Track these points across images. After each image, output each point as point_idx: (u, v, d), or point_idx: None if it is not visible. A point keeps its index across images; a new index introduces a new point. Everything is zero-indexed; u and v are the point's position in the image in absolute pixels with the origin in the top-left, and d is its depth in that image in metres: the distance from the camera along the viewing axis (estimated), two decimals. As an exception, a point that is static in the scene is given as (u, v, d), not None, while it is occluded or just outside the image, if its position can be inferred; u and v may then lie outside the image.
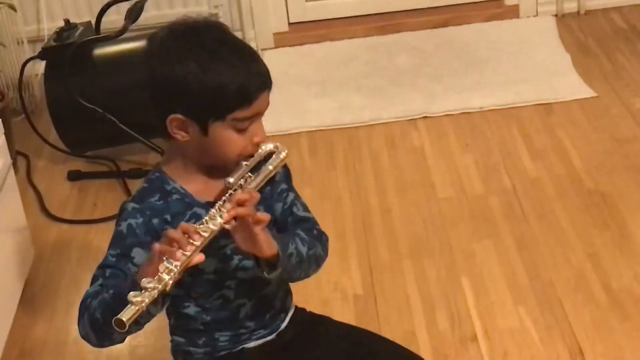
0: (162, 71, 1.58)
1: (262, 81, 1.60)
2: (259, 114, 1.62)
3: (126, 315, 1.42)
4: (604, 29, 3.82)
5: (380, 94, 3.49)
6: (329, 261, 2.37)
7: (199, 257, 1.50)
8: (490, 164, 3.01)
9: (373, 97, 3.47)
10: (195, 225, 1.52)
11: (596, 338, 2.26)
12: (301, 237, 1.70)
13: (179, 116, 1.58)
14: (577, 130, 3.14)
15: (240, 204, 1.55)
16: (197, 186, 1.68)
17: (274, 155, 1.66)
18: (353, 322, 2.37)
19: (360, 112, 3.37)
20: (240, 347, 1.78)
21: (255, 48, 3.83)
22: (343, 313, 2.42)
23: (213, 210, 1.55)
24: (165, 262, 1.46)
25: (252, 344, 1.79)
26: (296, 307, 1.91)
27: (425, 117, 3.32)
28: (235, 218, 1.54)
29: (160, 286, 1.44)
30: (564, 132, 3.14)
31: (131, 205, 1.66)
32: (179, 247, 1.48)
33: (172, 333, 1.83)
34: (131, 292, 1.43)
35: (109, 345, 1.62)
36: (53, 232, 2.90)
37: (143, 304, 1.42)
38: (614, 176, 2.87)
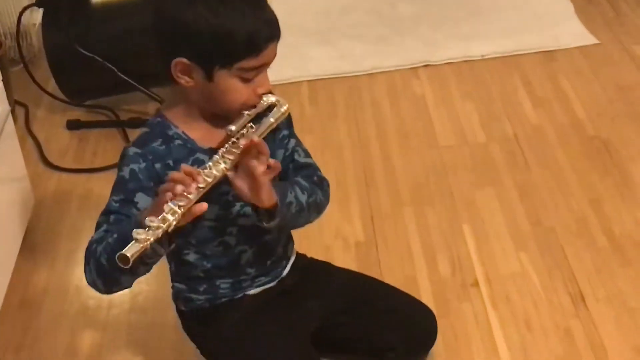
0: (170, 13, 1.56)
1: (271, 31, 1.58)
2: (265, 64, 1.60)
3: (130, 251, 1.42)
4: (607, -24, 3.78)
5: (382, 42, 3.46)
6: (330, 208, 2.37)
7: (202, 206, 1.48)
8: (491, 112, 2.99)
9: (374, 46, 3.44)
10: (198, 169, 1.50)
11: (597, 283, 2.26)
12: (301, 185, 1.69)
13: (184, 60, 1.56)
14: (579, 78, 3.12)
15: (246, 151, 1.53)
16: (199, 132, 1.66)
17: (275, 108, 1.64)
18: (354, 269, 2.36)
19: (361, 61, 3.35)
20: (242, 294, 1.78)
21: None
22: (344, 260, 2.42)
23: (216, 156, 1.54)
24: (169, 203, 1.45)
25: (252, 291, 1.79)
26: (297, 253, 1.91)
27: (427, 65, 3.30)
28: (236, 165, 1.53)
29: (164, 226, 1.44)
30: (566, 79, 3.12)
31: (133, 150, 1.65)
32: (185, 187, 1.47)
33: (173, 280, 1.83)
34: (135, 230, 1.42)
35: (117, 291, 1.63)
36: (53, 181, 2.89)
37: (147, 242, 1.42)
38: (616, 123, 2.86)
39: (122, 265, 1.42)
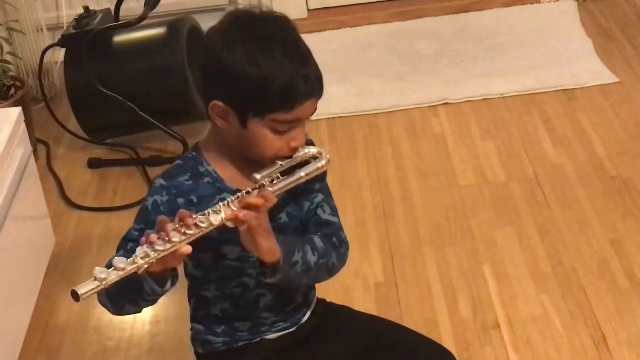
0: (212, 53, 1.56)
1: (309, 88, 1.56)
2: (300, 120, 1.58)
3: (83, 288, 1.40)
4: (626, 13, 3.78)
5: (400, 80, 3.47)
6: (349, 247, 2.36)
7: (186, 248, 1.47)
8: (511, 151, 2.98)
9: (393, 84, 3.45)
10: (194, 215, 1.49)
11: (619, 325, 2.24)
12: (314, 244, 1.66)
13: (221, 104, 1.56)
14: (599, 116, 3.11)
15: (250, 207, 1.52)
16: (230, 172, 1.66)
17: (312, 162, 1.61)
18: (374, 310, 2.37)
19: (380, 99, 3.36)
20: (260, 338, 1.77)
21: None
22: (364, 301, 2.41)
23: (220, 204, 1.52)
24: (144, 246, 1.44)
25: (271, 335, 1.78)
26: (317, 297, 1.89)
27: (446, 103, 3.30)
28: (237, 219, 1.51)
29: (130, 268, 1.42)
30: (586, 118, 3.11)
31: (159, 181, 1.65)
32: (164, 235, 1.45)
33: (192, 320, 1.82)
34: (97, 268, 1.41)
35: (125, 314, 1.64)
36: (73, 220, 2.90)
37: (104, 282, 1.40)
38: (636, 162, 2.85)
39: (73, 300, 1.40)
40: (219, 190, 1.63)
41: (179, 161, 1.68)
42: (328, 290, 2.28)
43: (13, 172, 2.34)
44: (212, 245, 1.61)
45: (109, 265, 1.56)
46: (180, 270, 1.60)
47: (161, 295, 1.56)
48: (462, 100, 3.30)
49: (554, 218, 2.64)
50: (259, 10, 1.62)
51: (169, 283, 1.54)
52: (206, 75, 1.59)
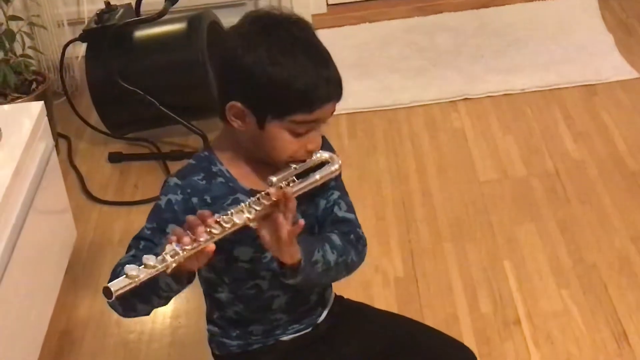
0: (232, 54, 1.55)
1: (329, 90, 1.56)
2: (319, 122, 1.58)
3: (115, 285, 1.40)
4: (647, 8, 3.77)
5: (420, 75, 3.46)
6: (369, 243, 2.35)
7: (211, 247, 1.46)
8: (532, 146, 2.98)
9: (413, 79, 3.44)
10: (218, 215, 1.49)
11: (641, 321, 2.24)
12: (333, 243, 1.65)
13: (239, 105, 1.56)
14: (620, 112, 3.10)
15: (275, 204, 1.51)
16: (243, 173, 1.65)
17: (325, 165, 1.61)
18: (394, 305, 2.37)
19: (400, 94, 3.35)
20: (274, 340, 1.77)
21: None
22: (384, 296, 2.41)
23: (243, 204, 1.52)
24: (173, 245, 1.43)
25: (286, 337, 1.77)
26: (335, 295, 1.88)
27: (466, 98, 3.30)
28: (262, 217, 1.51)
29: (160, 266, 1.42)
30: (607, 113, 3.10)
31: (173, 180, 1.65)
32: (192, 234, 1.45)
33: (208, 322, 1.82)
34: (128, 265, 1.41)
35: (134, 316, 1.61)
36: (95, 214, 2.92)
37: (136, 279, 1.40)
38: (658, 158, 2.84)
39: (105, 297, 1.41)
40: (232, 191, 1.63)
41: (192, 161, 1.67)
42: (349, 285, 2.28)
43: (35, 166, 2.35)
44: (224, 247, 1.60)
45: (117, 269, 1.57)
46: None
47: (176, 293, 1.55)
48: (482, 96, 3.29)
49: (574, 214, 2.64)
50: (279, 11, 1.61)
51: (185, 281, 1.54)
52: (225, 76, 1.59)
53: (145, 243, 1.62)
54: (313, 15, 3.90)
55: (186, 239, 1.44)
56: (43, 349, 2.30)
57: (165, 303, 1.60)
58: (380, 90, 3.39)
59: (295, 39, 1.57)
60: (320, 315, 1.80)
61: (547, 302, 2.33)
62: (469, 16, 3.87)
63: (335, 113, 3.33)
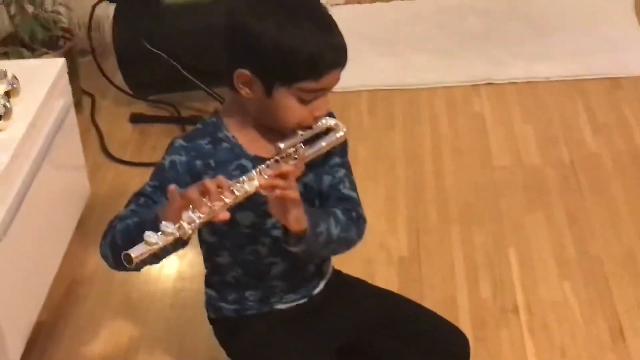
0: (240, 23, 1.58)
1: (335, 57, 1.59)
2: (326, 89, 1.61)
3: (135, 252, 1.43)
4: (683, 4, 3.72)
5: (446, 56, 3.45)
6: (375, 221, 2.39)
7: (224, 215, 1.49)
8: (549, 135, 2.97)
9: (438, 60, 3.44)
10: (230, 182, 1.52)
11: (638, 318, 2.23)
12: (337, 217, 1.68)
13: (247, 72, 1.58)
14: (643, 108, 3.08)
15: (282, 175, 1.54)
16: (249, 139, 1.68)
17: (331, 133, 1.65)
18: (395, 284, 2.39)
19: (423, 74, 3.35)
20: (269, 308, 1.79)
21: (325, 3, 3.85)
22: (386, 274, 2.43)
23: (253, 171, 1.55)
24: (190, 212, 1.46)
25: (281, 306, 1.80)
26: (334, 269, 1.91)
27: (489, 83, 3.29)
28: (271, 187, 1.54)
29: (177, 233, 1.45)
30: (630, 108, 3.07)
31: (179, 142, 1.68)
32: (209, 200, 1.48)
33: (206, 285, 1.85)
34: (147, 232, 1.44)
35: (122, 270, 1.62)
36: (111, 172, 2.96)
37: (155, 246, 1.43)
38: (676, 156, 2.82)
39: (125, 264, 1.44)
40: (237, 157, 1.66)
41: (199, 125, 1.70)
42: (352, 260, 2.30)
43: (52, 121, 2.39)
44: (229, 207, 1.64)
45: (113, 221, 1.60)
46: (196, 236, 1.62)
47: (169, 254, 1.58)
48: (505, 82, 3.28)
49: (585, 206, 2.63)
50: None
51: (179, 245, 1.56)
52: (232, 44, 1.61)
53: (145, 200, 1.65)
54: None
55: (204, 208, 1.47)
56: (47, 301, 2.34)
57: (158, 262, 1.63)
58: (404, 68, 3.39)
59: (302, 7, 1.60)
60: (317, 287, 1.83)
61: (547, 291, 2.34)
62: (501, 0, 3.84)
63: (356, 89, 3.34)
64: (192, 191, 1.49)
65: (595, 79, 3.25)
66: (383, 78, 3.34)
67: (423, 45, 3.53)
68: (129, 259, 1.43)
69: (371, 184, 2.78)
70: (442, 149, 2.94)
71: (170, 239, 1.45)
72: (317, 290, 1.83)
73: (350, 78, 3.24)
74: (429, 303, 2.12)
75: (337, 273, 1.92)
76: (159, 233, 1.44)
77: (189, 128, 3.03)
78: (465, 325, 2.21)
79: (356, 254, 2.41)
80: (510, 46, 3.48)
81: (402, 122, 3.10)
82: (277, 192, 1.53)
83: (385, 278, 2.41)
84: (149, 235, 1.43)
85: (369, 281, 1.97)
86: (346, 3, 3.86)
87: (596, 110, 3.08)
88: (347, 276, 1.95)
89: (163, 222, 1.45)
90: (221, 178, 1.52)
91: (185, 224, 1.45)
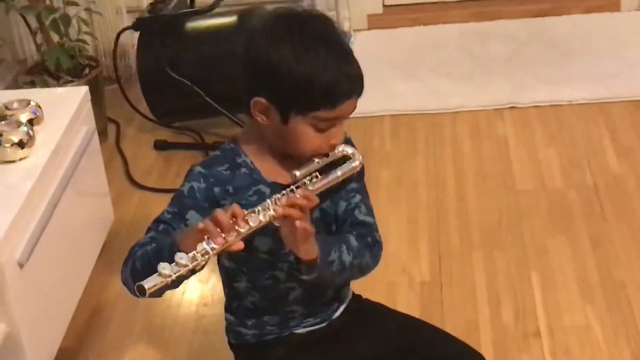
0: (257, 51, 1.59)
1: (351, 86, 1.59)
2: (341, 118, 1.62)
3: (149, 283, 1.44)
4: None
5: (469, 81, 3.46)
6: (397, 245, 2.38)
7: (238, 245, 1.50)
8: (573, 159, 2.95)
9: (461, 84, 3.44)
10: (245, 212, 1.53)
11: (663, 343, 2.21)
12: (350, 244, 1.68)
13: (263, 100, 1.59)
14: (668, 130, 3.06)
15: (295, 206, 1.55)
16: (267, 165, 1.69)
17: (347, 161, 1.65)
18: (417, 309, 2.38)
19: (446, 99, 3.35)
20: (288, 332, 1.79)
21: (348, 29, 3.88)
22: (408, 298, 2.42)
23: (268, 201, 1.56)
24: (204, 243, 1.47)
25: (300, 330, 1.80)
26: (354, 294, 1.90)
27: (513, 107, 3.28)
28: (286, 216, 1.55)
29: (191, 265, 1.46)
30: (654, 131, 3.06)
31: (198, 168, 1.69)
32: (222, 231, 1.49)
33: (225, 310, 1.86)
34: (161, 264, 1.45)
35: (143, 297, 1.66)
36: (135, 199, 2.98)
37: (168, 279, 1.44)
38: (701, 179, 2.79)
39: (138, 295, 1.45)
40: (255, 182, 1.67)
41: (217, 152, 1.72)
42: (374, 285, 2.31)
43: (75, 147, 2.41)
44: (244, 237, 1.64)
45: (134, 248, 1.61)
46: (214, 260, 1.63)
47: (187, 278, 1.59)
48: (529, 105, 3.28)
49: (608, 230, 2.61)
50: (302, 8, 1.66)
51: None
52: (250, 72, 1.63)
53: (164, 226, 1.67)
54: (369, 16, 3.91)
55: (219, 239, 1.48)
56: (71, 326, 2.35)
57: (176, 287, 1.64)
58: (427, 93, 3.40)
59: (319, 36, 1.61)
60: (335, 311, 1.83)
61: (570, 316, 2.32)
62: (525, 24, 3.85)
63: (379, 114, 3.35)
64: (207, 223, 1.49)
65: (618, 101, 3.24)
66: (406, 103, 3.35)
67: (446, 69, 3.54)
68: (142, 290, 1.45)
69: (394, 209, 2.78)
70: (465, 174, 2.93)
71: (184, 271, 1.46)
72: (336, 315, 1.83)
73: (373, 103, 3.33)
74: (450, 328, 2.13)
75: (357, 298, 1.92)
76: (173, 264, 1.45)
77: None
78: (487, 350, 2.20)
79: (378, 279, 2.43)
80: (533, 70, 3.48)
81: (425, 146, 3.10)
82: (297, 223, 1.54)
83: (406, 303, 2.40)
84: (163, 267, 1.45)
85: (391, 306, 1.96)
86: (369, 28, 3.88)
87: (620, 133, 3.06)
88: (367, 301, 1.95)
89: (177, 254, 1.46)
90: (235, 207, 1.52)
91: (199, 255, 1.46)
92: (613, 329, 2.26)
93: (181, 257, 1.45)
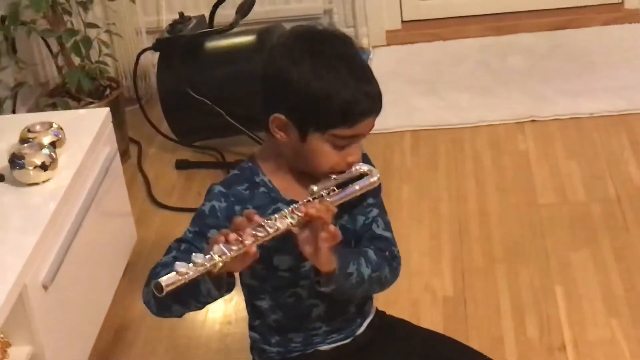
0: (277, 68, 1.60)
1: (370, 104, 1.60)
2: (360, 136, 1.63)
3: (166, 280, 1.44)
4: None
5: (489, 95, 3.45)
6: (420, 261, 2.37)
7: (254, 253, 1.50)
8: (595, 171, 2.94)
9: (481, 98, 3.44)
10: (262, 219, 1.54)
11: (690, 356, 2.20)
12: (368, 257, 1.69)
13: (282, 117, 1.60)
14: (689, 141, 3.04)
15: (313, 216, 1.55)
16: (285, 183, 1.70)
17: (364, 178, 1.66)
18: (440, 325, 2.37)
19: (466, 113, 3.35)
20: (313, 349, 1.79)
21: (367, 45, 3.89)
22: (431, 314, 2.42)
23: (286, 210, 1.57)
24: (221, 245, 1.48)
25: (325, 347, 1.80)
26: (377, 310, 1.90)
27: (533, 120, 3.28)
28: (304, 224, 1.55)
29: (208, 265, 1.46)
30: (676, 142, 3.05)
31: (218, 188, 1.70)
32: (238, 230, 1.49)
33: (249, 329, 1.86)
34: (177, 262, 1.45)
35: (167, 317, 1.66)
36: (157, 219, 3.00)
37: (186, 276, 1.44)
38: None
39: (156, 293, 1.45)
40: (273, 201, 1.68)
41: (236, 171, 1.73)
42: (397, 301, 2.31)
43: (98, 169, 2.43)
44: (264, 256, 1.64)
45: (156, 268, 1.62)
46: (238, 278, 1.64)
47: (215, 299, 1.60)
48: (549, 118, 3.27)
49: (632, 242, 2.60)
50: (322, 27, 1.68)
51: (224, 288, 1.58)
52: (268, 89, 1.64)
53: (186, 245, 1.67)
54: (387, 31, 3.92)
55: (232, 236, 1.49)
56: (95, 347, 2.36)
57: (202, 308, 1.65)
58: (446, 108, 3.40)
59: (338, 54, 1.62)
60: (359, 327, 1.83)
61: (594, 330, 2.30)
62: (544, 37, 3.85)
63: (399, 129, 3.35)
64: (223, 231, 1.51)
65: (639, 113, 3.22)
66: (426, 118, 3.35)
67: (465, 84, 3.54)
68: (158, 286, 1.44)
69: (415, 224, 2.78)
70: (487, 188, 2.93)
71: (201, 269, 1.46)
72: (360, 331, 1.83)
73: (393, 119, 3.33)
74: (474, 344, 2.11)
75: (381, 314, 1.91)
76: (190, 264, 1.46)
77: (234, 173, 3.13)
78: (511, 365, 2.20)
79: (401, 295, 2.43)
80: (553, 82, 3.48)
81: (446, 161, 3.10)
82: (325, 226, 1.54)
83: (430, 319, 2.40)
84: (180, 265, 1.45)
85: (414, 322, 1.95)
86: (388, 44, 3.89)
87: (642, 144, 3.05)
88: (391, 317, 1.95)
89: (193, 254, 1.47)
90: (250, 210, 1.54)
91: (215, 256, 1.47)
92: (638, 341, 2.25)
93: (197, 257, 1.46)
